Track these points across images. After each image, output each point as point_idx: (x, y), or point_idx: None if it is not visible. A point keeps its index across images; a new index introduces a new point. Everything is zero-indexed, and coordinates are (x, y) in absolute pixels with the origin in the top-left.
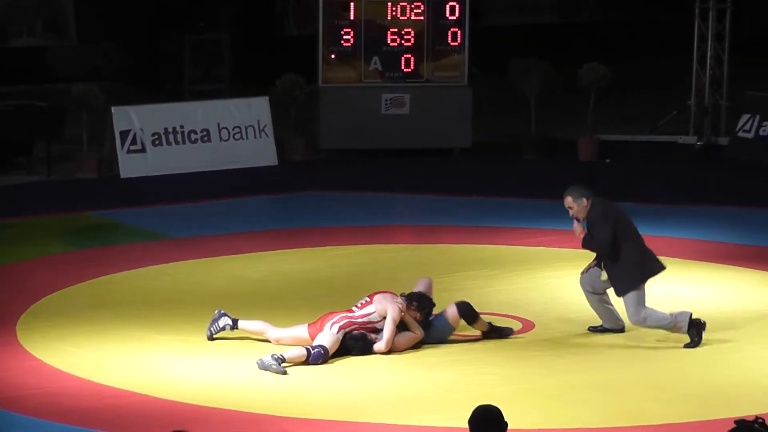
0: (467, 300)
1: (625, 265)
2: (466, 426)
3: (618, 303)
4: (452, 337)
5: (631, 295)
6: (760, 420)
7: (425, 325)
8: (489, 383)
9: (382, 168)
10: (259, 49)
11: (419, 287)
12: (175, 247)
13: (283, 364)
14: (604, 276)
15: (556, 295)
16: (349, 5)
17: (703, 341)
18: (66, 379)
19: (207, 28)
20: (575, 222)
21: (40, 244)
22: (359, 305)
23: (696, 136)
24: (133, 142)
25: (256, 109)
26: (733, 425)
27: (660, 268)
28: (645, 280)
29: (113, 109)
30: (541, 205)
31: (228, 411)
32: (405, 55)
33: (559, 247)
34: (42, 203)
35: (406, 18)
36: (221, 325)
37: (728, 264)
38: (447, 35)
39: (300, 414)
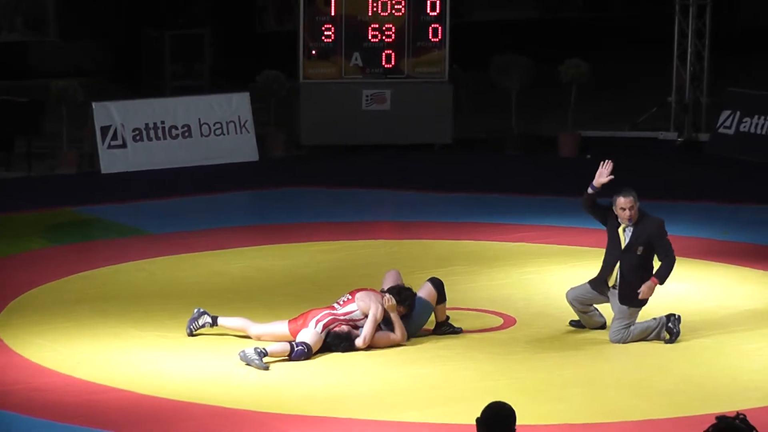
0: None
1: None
2: (447, 421)
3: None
4: (434, 336)
5: (634, 310)
6: (741, 416)
7: (409, 316)
8: (470, 379)
9: (363, 164)
10: (240, 44)
11: (388, 282)
12: (156, 243)
13: (266, 359)
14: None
15: (537, 290)
16: (330, 1)
17: (684, 337)
18: (47, 374)
19: (187, 24)
20: (644, 287)
21: (21, 239)
22: (341, 302)
23: (676, 132)
24: (114, 137)
25: (237, 104)
26: (714, 421)
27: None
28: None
29: (94, 104)
30: (522, 201)
31: (209, 406)
32: (386, 51)
33: (541, 243)
34: (22, 199)
35: (386, 14)
36: (201, 323)
37: (709, 260)
38: (428, 31)
39: (282, 410)
